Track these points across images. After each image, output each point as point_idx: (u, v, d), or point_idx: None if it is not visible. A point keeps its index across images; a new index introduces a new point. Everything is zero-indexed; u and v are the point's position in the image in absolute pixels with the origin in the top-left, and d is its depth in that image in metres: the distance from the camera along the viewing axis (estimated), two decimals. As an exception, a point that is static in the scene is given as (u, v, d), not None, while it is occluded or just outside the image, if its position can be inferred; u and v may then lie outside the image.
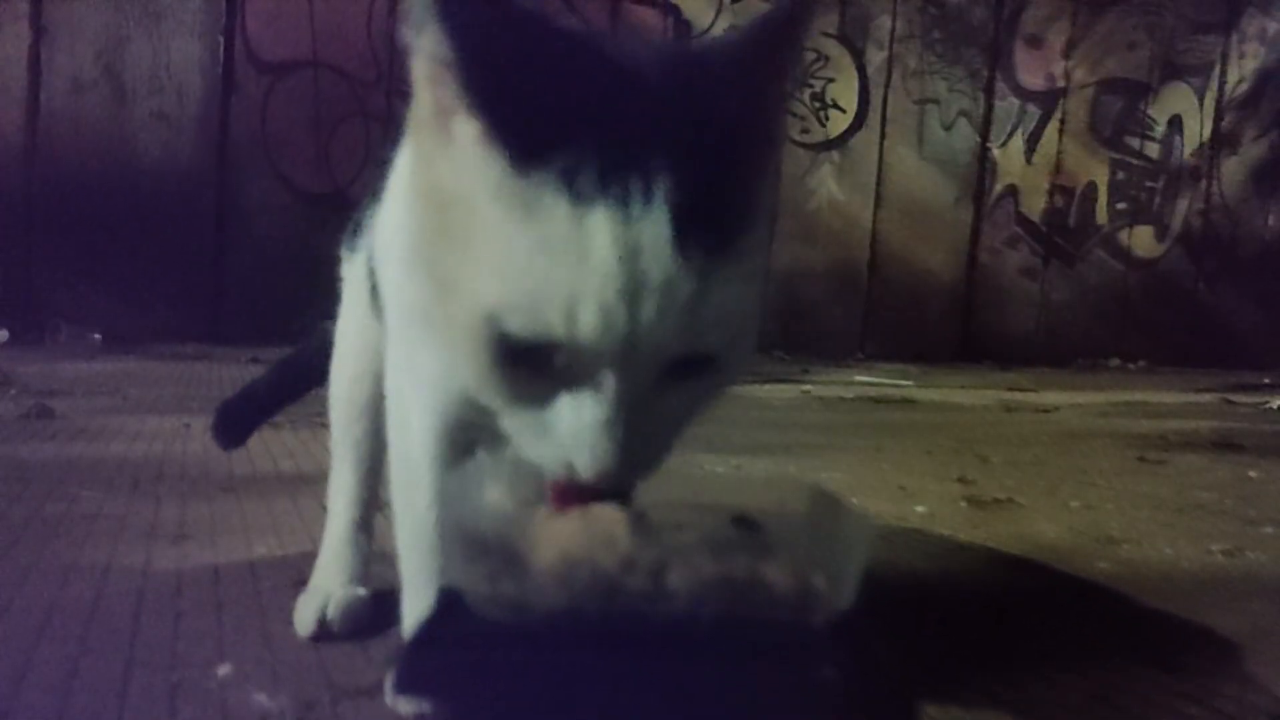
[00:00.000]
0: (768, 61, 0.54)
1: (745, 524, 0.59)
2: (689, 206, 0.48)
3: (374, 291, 0.82)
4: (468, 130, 0.49)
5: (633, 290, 0.47)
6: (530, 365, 0.51)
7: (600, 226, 0.47)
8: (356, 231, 0.92)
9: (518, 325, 0.49)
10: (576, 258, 0.47)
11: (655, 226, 0.48)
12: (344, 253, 0.96)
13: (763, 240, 0.54)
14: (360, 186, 1.00)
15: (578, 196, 0.47)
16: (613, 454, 0.51)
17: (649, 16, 5.34)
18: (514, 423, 0.55)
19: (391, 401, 0.76)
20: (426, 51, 0.50)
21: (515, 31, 0.50)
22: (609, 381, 0.50)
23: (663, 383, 0.51)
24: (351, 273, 0.94)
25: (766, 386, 3.74)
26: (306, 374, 1.13)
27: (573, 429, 0.51)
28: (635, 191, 0.48)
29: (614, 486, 0.53)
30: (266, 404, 1.21)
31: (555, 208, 0.47)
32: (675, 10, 5.41)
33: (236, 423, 1.22)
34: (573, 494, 0.54)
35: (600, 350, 0.48)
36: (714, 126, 0.50)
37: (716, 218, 0.50)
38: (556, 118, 0.49)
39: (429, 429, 0.71)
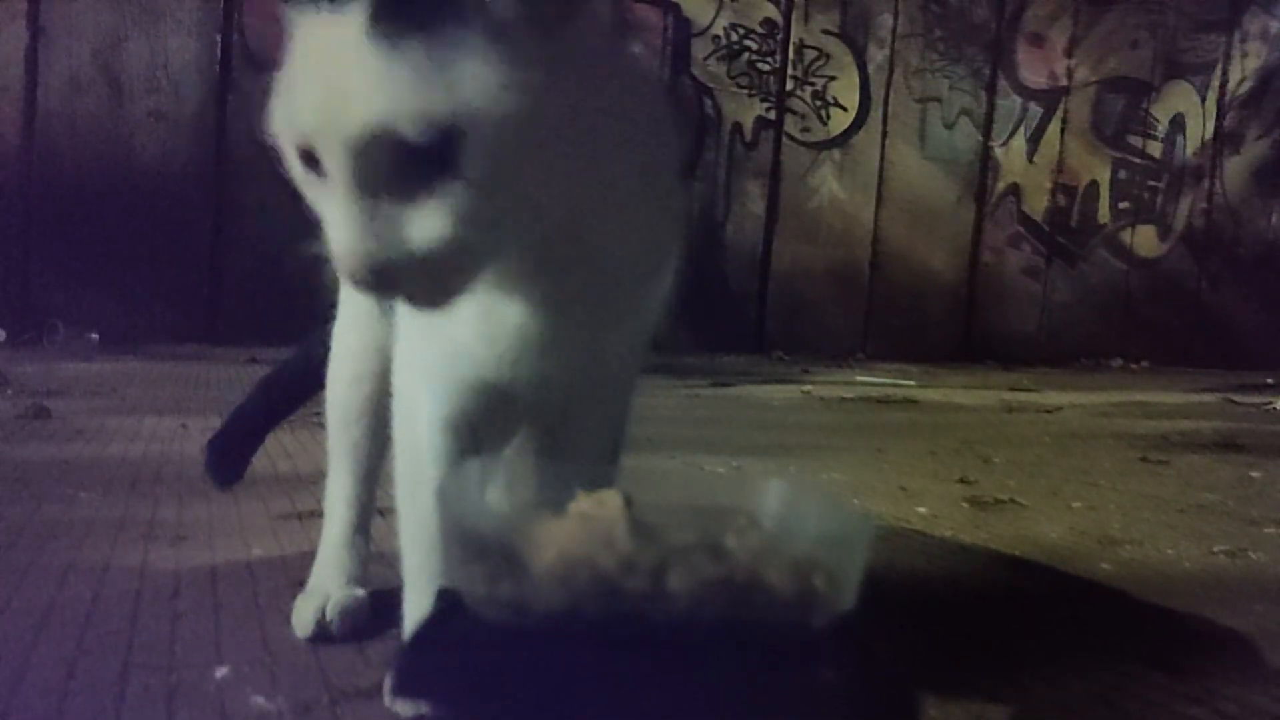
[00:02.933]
0: None
1: (745, 525, 0.59)
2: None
3: None
4: None
5: (332, 78, 0.55)
6: (313, 172, 0.58)
7: (314, 31, 0.56)
8: None
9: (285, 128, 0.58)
10: (312, 64, 0.56)
11: (353, 21, 0.54)
12: None
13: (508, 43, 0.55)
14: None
15: (320, 17, 0.56)
16: (353, 242, 0.55)
17: (649, 14, 5.33)
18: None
19: (399, 399, 0.76)
20: None
21: None
22: (337, 171, 0.55)
23: (401, 177, 0.55)
24: None
25: (767, 387, 3.74)
26: (292, 391, 1.12)
27: (329, 222, 0.57)
28: None
29: (371, 285, 0.57)
30: (256, 429, 1.16)
31: (310, 31, 0.57)
32: (675, 8, 5.41)
33: (230, 456, 1.16)
34: None
35: (320, 137, 0.55)
36: None
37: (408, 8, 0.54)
38: None
39: (436, 423, 0.72)
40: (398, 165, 0.54)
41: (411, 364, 0.75)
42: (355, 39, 0.54)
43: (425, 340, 0.72)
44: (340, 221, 0.56)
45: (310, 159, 0.57)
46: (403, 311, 0.74)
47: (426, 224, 0.56)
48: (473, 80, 0.54)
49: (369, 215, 0.55)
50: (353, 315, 0.95)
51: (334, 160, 0.55)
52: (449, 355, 0.70)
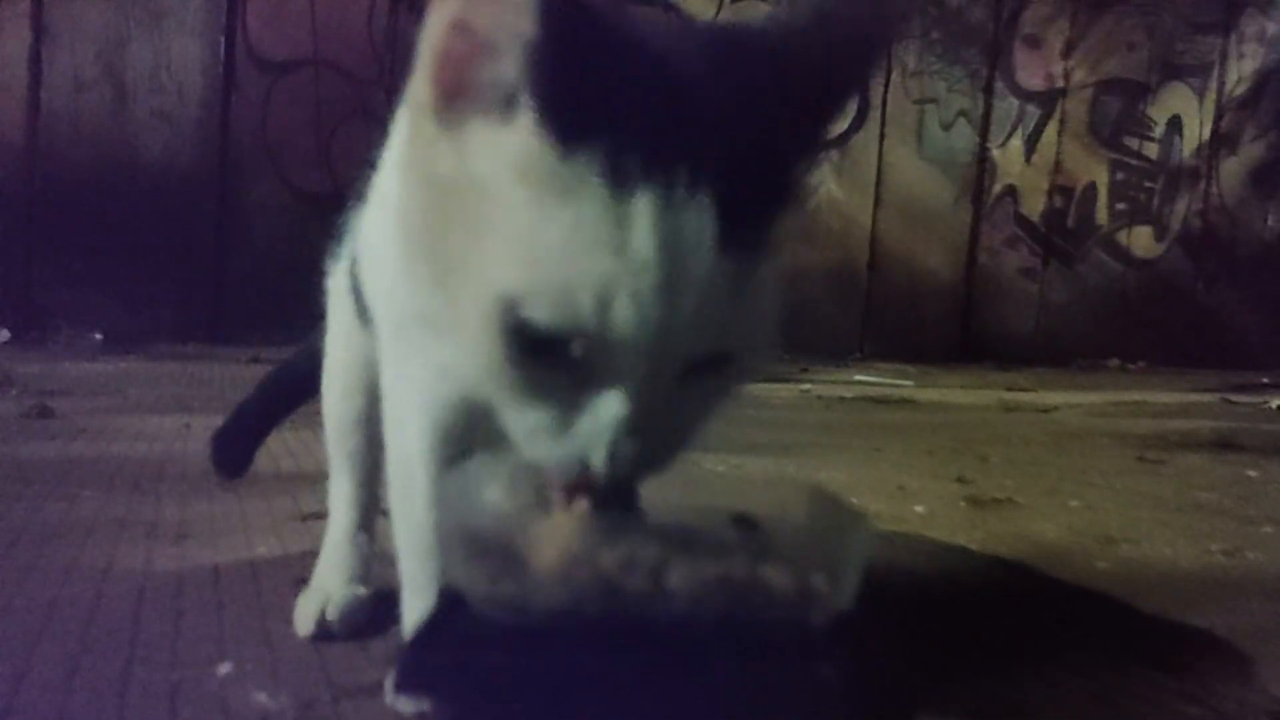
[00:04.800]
0: (833, 52, 0.50)
1: (745, 524, 0.59)
2: (733, 199, 0.46)
3: (359, 298, 0.82)
4: (500, 109, 0.47)
5: (671, 283, 0.45)
6: (547, 356, 0.48)
7: (642, 213, 0.44)
8: (341, 240, 0.91)
9: (541, 312, 0.46)
10: (613, 244, 0.44)
11: (698, 217, 0.45)
12: (329, 263, 0.95)
13: (789, 234, 0.52)
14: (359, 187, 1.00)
15: (619, 181, 0.45)
16: (632, 451, 0.49)
17: (648, 15, 5.33)
18: (522, 419, 0.52)
19: (388, 404, 0.76)
20: (487, 25, 0.46)
21: (583, 15, 0.48)
22: (634, 377, 0.47)
23: (684, 379, 0.50)
24: (337, 283, 0.93)
25: (766, 385, 3.74)
26: (297, 387, 1.12)
27: (592, 425, 0.49)
28: (680, 180, 0.45)
29: (627, 483, 0.52)
30: (261, 424, 1.18)
31: (593, 191, 0.45)
32: (675, 10, 5.41)
33: (235, 449, 1.19)
34: (581, 489, 0.53)
35: (630, 344, 0.46)
36: (764, 117, 0.48)
37: (758, 211, 0.48)
38: (605, 100, 0.46)
39: (424, 431, 0.71)
40: (690, 372, 0.49)
41: (399, 374, 0.74)
42: (702, 245, 0.45)
43: (414, 351, 0.71)
44: (610, 425, 0.48)
45: (541, 341, 0.47)
46: (382, 318, 0.74)
47: (695, 411, 0.52)
48: (774, 291, 0.51)
49: (640, 417, 0.48)
50: (340, 327, 0.94)
51: (626, 364, 0.47)
52: (436, 367, 0.69)
